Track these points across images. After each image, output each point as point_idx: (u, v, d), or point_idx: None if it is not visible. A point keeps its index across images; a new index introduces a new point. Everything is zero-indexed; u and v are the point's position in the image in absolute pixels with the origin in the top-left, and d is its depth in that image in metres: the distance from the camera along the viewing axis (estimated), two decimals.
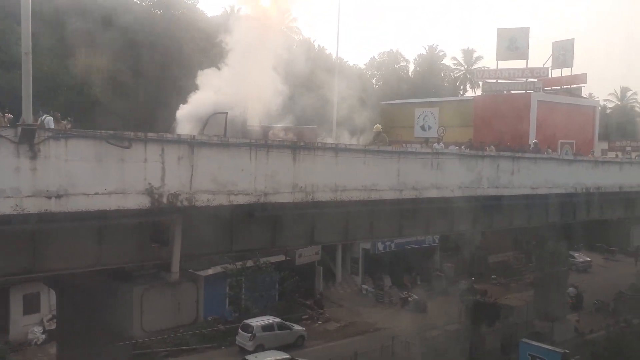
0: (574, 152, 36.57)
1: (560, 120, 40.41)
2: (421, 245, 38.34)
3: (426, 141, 30.33)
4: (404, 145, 29.09)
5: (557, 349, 22.25)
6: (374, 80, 68.73)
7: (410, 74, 74.41)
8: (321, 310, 32.48)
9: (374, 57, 74.91)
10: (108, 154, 10.88)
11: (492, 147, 26.40)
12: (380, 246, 36.26)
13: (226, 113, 14.98)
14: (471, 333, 27.06)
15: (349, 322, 31.29)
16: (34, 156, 10.05)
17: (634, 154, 48.52)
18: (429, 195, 17.44)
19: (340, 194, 14.98)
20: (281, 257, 32.02)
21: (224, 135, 14.15)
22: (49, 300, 26.17)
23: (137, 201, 11.28)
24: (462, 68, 76.83)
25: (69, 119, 17.83)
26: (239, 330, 27.00)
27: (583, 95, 49.38)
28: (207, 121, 14.66)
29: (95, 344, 15.10)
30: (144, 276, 24.39)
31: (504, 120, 39.03)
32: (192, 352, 26.24)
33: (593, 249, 49.96)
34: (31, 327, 26.24)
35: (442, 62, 76.45)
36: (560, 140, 39.79)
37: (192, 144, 11.94)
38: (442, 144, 26.32)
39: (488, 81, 47.53)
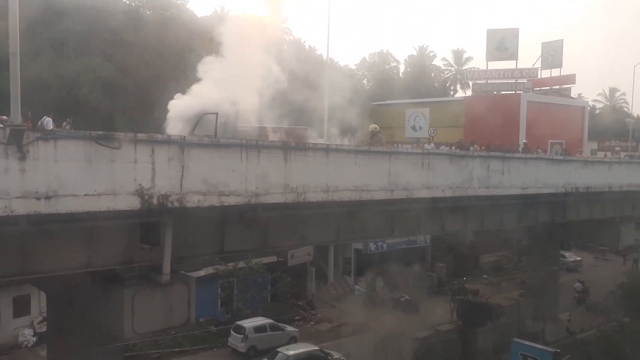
0: (563, 152, 36.81)
1: (549, 121, 40.71)
2: (413, 245, 38.40)
3: (417, 141, 30.46)
4: (395, 145, 29.19)
5: (549, 348, 22.35)
6: (364, 81, 68.83)
7: (400, 74, 74.63)
8: (313, 311, 32.45)
9: (364, 57, 75.10)
10: (98, 154, 10.82)
11: (476, 146, 26.57)
12: (372, 246, 36.28)
13: (217, 113, 14.94)
14: (463, 333, 27.14)
15: (341, 322, 31.28)
16: (22, 157, 9.98)
17: (622, 154, 48.92)
18: (420, 196, 17.48)
19: (332, 195, 14.98)
20: (273, 258, 31.97)
21: (215, 135, 14.10)
22: (39, 302, 25.95)
23: (127, 202, 11.22)
24: (453, 69, 77.18)
25: (68, 120, 17.75)
26: (231, 332, 26.91)
27: (572, 95, 49.79)
28: (197, 122, 14.62)
29: (87, 346, 15.00)
30: (135, 278, 24.27)
31: (494, 120, 39.25)
32: (184, 354, 26.13)
33: (583, 249, 50.27)
34: (21, 329, 26.02)
35: (432, 63, 76.75)
36: (550, 141, 40.07)
37: (182, 144, 11.90)
38: (432, 145, 26.41)
39: (478, 82, 47.86)
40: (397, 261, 37.55)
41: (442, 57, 78.38)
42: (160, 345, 25.95)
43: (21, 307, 26.13)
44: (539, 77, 47.13)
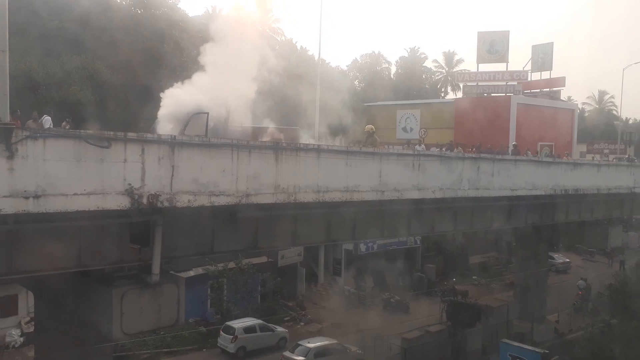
0: (550, 154, 37.08)
1: (539, 123, 40.99)
2: (403, 246, 38.50)
3: (408, 143, 30.54)
4: (386, 146, 29.24)
5: (537, 349, 22.46)
6: (356, 82, 68.95)
7: (392, 75, 74.84)
8: (303, 312, 32.44)
9: (356, 58, 75.26)
10: (87, 154, 10.76)
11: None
12: (362, 247, 36.34)
13: (207, 113, 14.88)
14: (452, 333, 27.21)
15: (331, 323, 31.27)
16: (11, 156, 9.90)
17: (611, 157, 49.38)
18: (410, 197, 17.54)
19: (323, 195, 14.99)
20: (263, 259, 31.91)
21: (205, 135, 14.06)
22: (27, 302, 25.71)
23: (116, 202, 11.17)
24: (443, 70, 77.51)
25: (67, 119, 17.60)
26: (221, 332, 26.83)
27: (562, 98, 50.11)
28: (188, 121, 14.55)
29: (75, 346, 14.90)
30: (124, 278, 24.11)
31: (484, 122, 39.46)
32: (173, 355, 26.01)
33: (572, 250, 50.64)
34: (9, 330, 25.77)
35: (423, 65, 77.02)
36: (540, 143, 40.31)
37: (172, 144, 11.85)
38: (423, 146, 26.50)
39: (469, 84, 48.04)
40: (387, 262, 37.64)
41: (433, 59, 78.79)
42: (149, 346, 25.81)
43: (8, 307, 25.87)
44: (529, 79, 47.43)
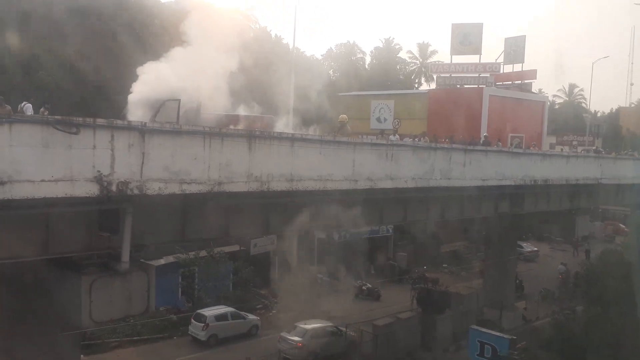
0: (518, 145, 37.64)
1: (510, 115, 41.54)
2: (376, 235, 38.82)
3: (381, 133, 30.65)
4: (359, 136, 29.29)
5: (505, 336, 22.88)
6: (330, 72, 68.83)
7: (366, 66, 74.89)
8: (275, 300, 32.51)
9: (331, 48, 75.06)
10: (55, 140, 10.52)
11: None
12: (335, 236, 36.51)
13: (179, 100, 14.69)
14: (423, 320, 27.62)
15: (303, 310, 31.41)
16: None
17: (579, 148, 50.40)
18: (383, 186, 17.64)
19: (296, 184, 14.97)
20: (236, 247, 31.82)
21: (177, 122, 13.88)
22: None
23: (85, 189, 10.97)
24: (418, 62, 77.83)
25: (46, 105, 17.23)
26: (192, 320, 26.75)
27: (533, 90, 50.83)
28: (159, 108, 14.34)
29: (42, 334, 14.67)
30: (93, 265, 23.73)
31: (457, 113, 39.80)
32: (144, 343, 25.87)
33: (540, 239, 51.74)
34: None
35: (398, 55, 77.23)
36: (510, 134, 40.88)
37: (143, 131, 11.67)
38: (397, 136, 26.65)
39: (442, 75, 48.33)
40: (360, 250, 37.92)
41: (407, 50, 79.00)
42: (119, 334, 25.61)
43: None
44: (501, 71, 47.94)
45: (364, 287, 34.88)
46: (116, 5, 37.31)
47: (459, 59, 47.73)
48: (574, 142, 57.39)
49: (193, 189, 12.68)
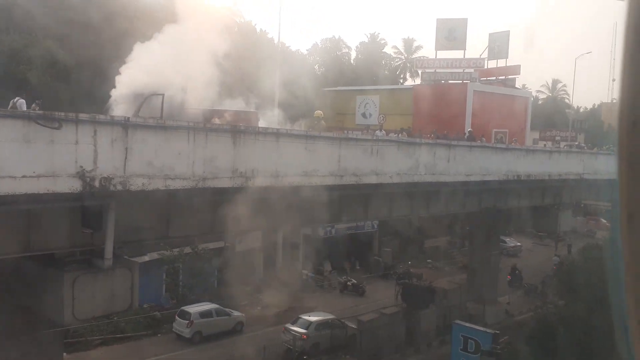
0: (498, 141, 37.87)
1: (494, 110, 41.73)
2: (361, 230, 38.91)
3: (367, 128, 30.70)
4: (345, 132, 29.30)
5: (488, 330, 23.11)
6: (316, 67, 68.66)
7: (352, 61, 74.81)
8: (260, 296, 32.44)
9: (316, 43, 74.86)
10: (37, 135, 10.38)
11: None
12: (320, 231, 36.53)
13: (163, 95, 14.54)
14: (407, 315, 27.75)
15: (288, 307, 31.37)
16: None
17: (562, 144, 50.88)
18: (368, 182, 17.68)
19: (281, 180, 14.94)
20: (220, 244, 31.67)
21: (161, 117, 13.74)
22: None
23: (67, 185, 10.83)
24: (403, 57, 77.94)
25: (37, 101, 17.05)
26: (176, 317, 26.59)
27: (517, 86, 51.15)
28: (142, 103, 14.18)
29: (24, 332, 14.49)
30: (76, 262, 23.51)
31: (441, 109, 39.95)
32: (127, 340, 25.67)
33: (523, 234, 52.22)
34: None
35: (383, 51, 77.26)
36: (494, 129, 41.12)
37: (126, 125, 11.55)
38: (383, 131, 26.70)
39: (427, 70, 48.42)
40: (345, 246, 38.01)
41: (393, 45, 79.07)
42: (103, 331, 25.38)
43: None
44: (485, 67, 48.18)
45: (349, 283, 34.96)
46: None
47: (444, 55, 47.87)
48: (557, 138, 57.93)
49: (177, 184, 12.59)
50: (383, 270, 38.25)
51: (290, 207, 17.19)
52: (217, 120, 16.88)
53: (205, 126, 13.35)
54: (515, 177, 24.68)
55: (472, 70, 46.23)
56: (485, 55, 47.76)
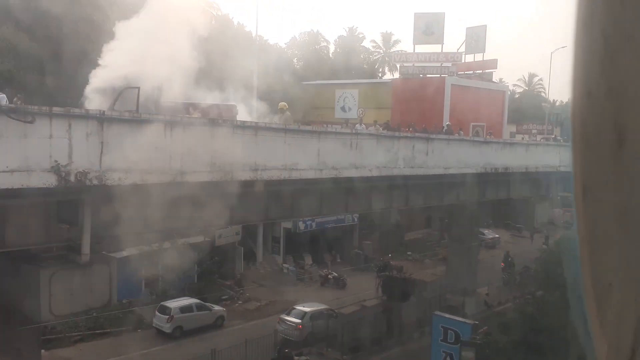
0: (474, 134, 38.23)
1: (472, 104, 42.05)
2: (341, 224, 39.01)
3: (346, 122, 30.74)
4: (324, 125, 29.29)
5: (468, 321, 23.35)
6: (294, 60, 68.44)
7: (330, 54, 74.74)
8: (241, 290, 32.39)
9: (294, 36, 74.63)
10: (9, 129, 10.20)
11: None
12: (301, 225, 36.54)
13: (138, 88, 14.34)
14: (388, 308, 27.95)
15: (269, 301, 31.42)
16: None
17: (539, 137, 51.56)
18: (348, 175, 17.73)
19: (261, 174, 14.90)
20: (200, 238, 31.47)
21: (136, 111, 13.57)
22: None
23: (42, 180, 10.67)
24: (381, 51, 78.11)
25: (19, 95, 16.78)
26: (156, 312, 26.42)
27: (494, 80, 51.62)
28: (118, 96, 13.99)
29: (0, 330, 14.27)
30: (53, 258, 23.19)
31: (419, 102, 40.18)
32: (106, 336, 25.44)
33: (501, 226, 52.85)
34: None
35: (361, 45, 77.29)
36: (472, 123, 41.46)
37: (101, 119, 11.41)
38: (364, 125, 26.74)
39: (405, 64, 48.57)
40: (326, 239, 38.09)
41: (371, 39, 79.15)
42: (81, 328, 25.12)
43: None
44: (463, 61, 48.48)
45: (330, 276, 35.07)
46: None
47: (422, 49, 48.04)
48: (534, 131, 58.64)
49: (154, 179, 12.48)
50: (363, 263, 38.43)
51: (270, 201, 17.18)
52: (195, 114, 16.74)
53: (183, 119, 13.24)
54: (493, 170, 24.94)
55: (449, 64, 46.48)
56: (462, 49, 48.10)
